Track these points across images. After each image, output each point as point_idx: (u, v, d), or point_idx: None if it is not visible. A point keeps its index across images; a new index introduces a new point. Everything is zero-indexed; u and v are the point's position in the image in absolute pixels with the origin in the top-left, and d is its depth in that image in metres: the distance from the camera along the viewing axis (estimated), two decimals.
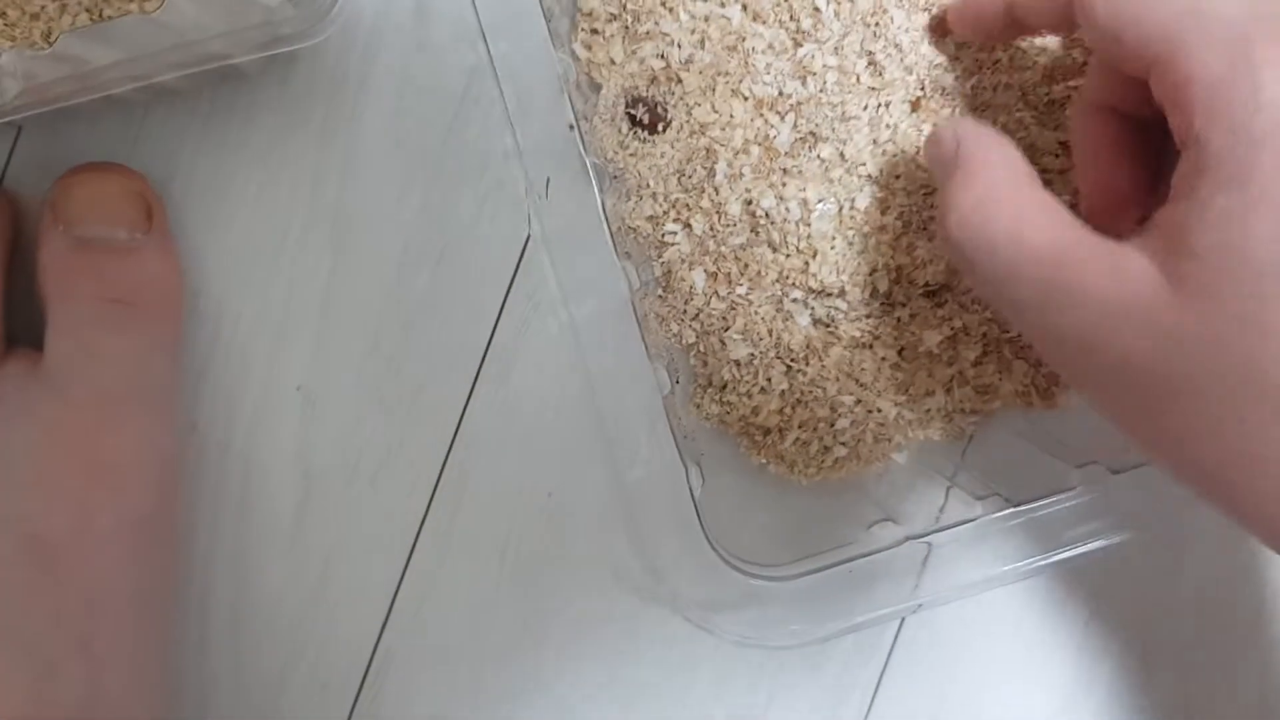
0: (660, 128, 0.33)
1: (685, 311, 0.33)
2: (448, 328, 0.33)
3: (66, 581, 0.28)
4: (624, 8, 0.32)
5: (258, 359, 0.33)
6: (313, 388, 0.33)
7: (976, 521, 0.30)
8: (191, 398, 0.33)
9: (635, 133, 0.33)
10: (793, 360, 0.33)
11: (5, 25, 0.28)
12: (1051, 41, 0.32)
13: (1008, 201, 0.25)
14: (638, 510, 0.29)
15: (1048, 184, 0.27)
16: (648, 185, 0.32)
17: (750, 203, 0.32)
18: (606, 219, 0.32)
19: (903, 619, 0.33)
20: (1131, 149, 0.28)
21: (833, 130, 0.32)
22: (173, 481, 0.31)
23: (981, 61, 0.32)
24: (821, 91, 0.32)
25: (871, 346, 0.33)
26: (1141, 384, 0.23)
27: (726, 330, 0.33)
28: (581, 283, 0.30)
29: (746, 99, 0.32)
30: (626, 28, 0.32)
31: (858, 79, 0.32)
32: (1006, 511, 0.30)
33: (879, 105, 0.32)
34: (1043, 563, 0.30)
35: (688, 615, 0.28)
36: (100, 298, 0.29)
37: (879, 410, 0.33)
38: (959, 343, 0.33)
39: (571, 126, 0.32)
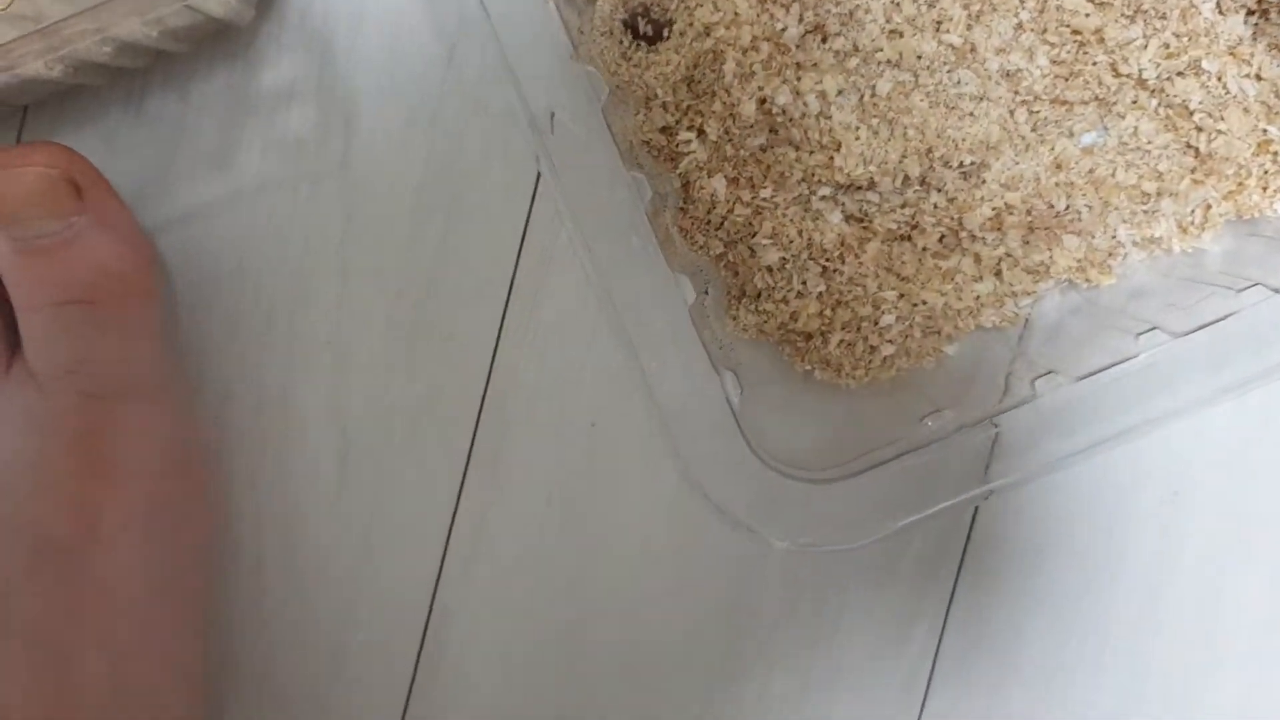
0: (665, 33, 0.31)
1: (709, 222, 0.31)
2: (469, 270, 0.33)
3: (81, 580, 0.27)
4: None
5: (281, 319, 0.32)
6: (341, 342, 0.32)
7: (1038, 400, 0.28)
8: (221, 363, 0.32)
9: (637, 45, 0.31)
10: (827, 260, 0.31)
11: None
12: None
13: None
14: (676, 427, 0.28)
15: None
16: (656, 96, 0.31)
17: (765, 101, 0.31)
18: (615, 140, 0.30)
19: (975, 510, 0.31)
20: None
21: (840, 25, 0.31)
22: (187, 465, 0.30)
23: None
24: None
25: (910, 238, 0.32)
26: None
27: (754, 236, 0.31)
28: (597, 209, 0.29)
29: None
30: None
31: None
32: (1068, 386, 0.28)
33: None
34: (1113, 437, 0.28)
35: (748, 525, 0.27)
36: (56, 303, 0.27)
37: (924, 303, 0.31)
38: (1003, 223, 0.31)
39: (572, 56, 0.30)
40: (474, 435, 0.33)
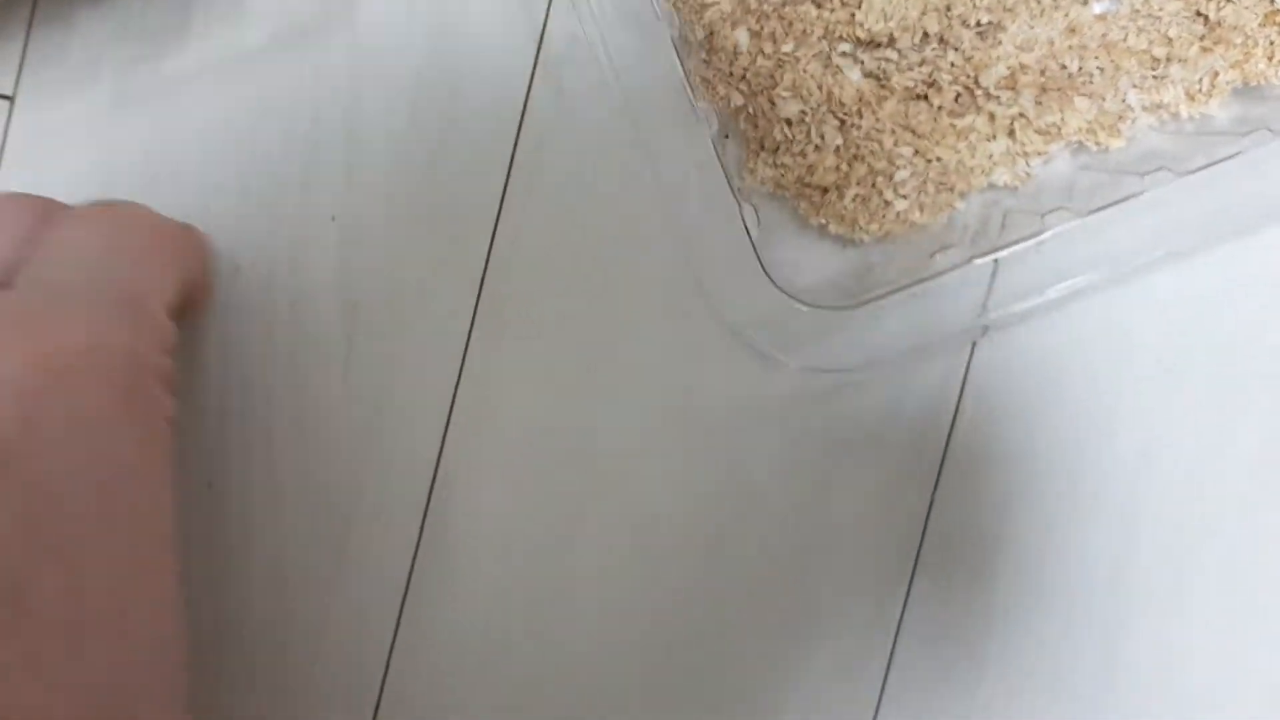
0: None
1: (731, 73, 0.32)
2: (475, 130, 0.33)
3: (25, 485, 0.24)
4: None
5: (290, 195, 0.33)
6: (348, 215, 0.33)
7: (1045, 234, 0.28)
8: (230, 238, 0.33)
9: None
10: (845, 115, 0.32)
11: None
12: None
13: None
14: (694, 249, 0.28)
15: None
16: None
17: None
18: None
19: (974, 345, 0.32)
20: None
21: None
22: (136, 387, 0.27)
23: None
24: None
25: (926, 97, 0.32)
26: None
27: (775, 88, 0.31)
28: (623, 37, 0.29)
29: None
30: None
31: None
32: (1076, 221, 0.28)
33: None
34: (1121, 271, 0.29)
35: (762, 348, 0.27)
36: (117, 209, 0.29)
37: (939, 159, 0.32)
38: (1018, 82, 0.32)
39: None
40: (478, 295, 0.33)
